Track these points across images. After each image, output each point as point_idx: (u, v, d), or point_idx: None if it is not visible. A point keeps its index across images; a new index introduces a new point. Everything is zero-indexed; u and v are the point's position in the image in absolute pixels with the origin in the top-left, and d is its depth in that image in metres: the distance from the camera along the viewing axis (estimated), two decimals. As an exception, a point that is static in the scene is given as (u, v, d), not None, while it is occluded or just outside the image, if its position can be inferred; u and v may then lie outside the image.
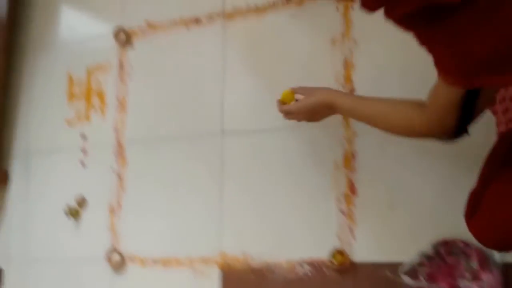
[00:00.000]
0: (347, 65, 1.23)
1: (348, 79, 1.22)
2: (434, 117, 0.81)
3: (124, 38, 1.53)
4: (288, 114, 1.11)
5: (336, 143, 1.23)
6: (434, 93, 0.80)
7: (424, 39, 0.71)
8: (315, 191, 1.23)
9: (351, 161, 1.21)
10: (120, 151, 1.50)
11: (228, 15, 1.40)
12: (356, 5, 1.23)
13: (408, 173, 1.15)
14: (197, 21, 1.44)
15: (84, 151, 1.56)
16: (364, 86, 1.20)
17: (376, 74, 1.19)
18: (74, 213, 1.52)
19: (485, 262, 1.04)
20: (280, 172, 1.29)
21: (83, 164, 1.55)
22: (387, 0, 0.66)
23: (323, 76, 1.25)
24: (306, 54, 1.29)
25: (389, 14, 0.68)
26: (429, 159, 1.13)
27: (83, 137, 1.57)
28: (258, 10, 1.36)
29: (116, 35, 1.54)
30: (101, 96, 1.56)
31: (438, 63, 0.71)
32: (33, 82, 1.69)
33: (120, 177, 1.48)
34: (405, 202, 1.15)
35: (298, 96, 1.09)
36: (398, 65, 1.18)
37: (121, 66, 1.54)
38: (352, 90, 1.21)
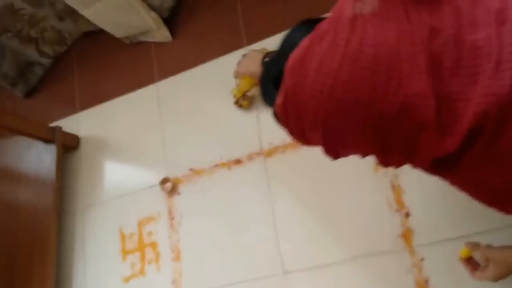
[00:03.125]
0: (396, 190, 1.22)
1: (400, 203, 1.20)
2: None
3: (170, 186, 1.57)
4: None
5: (404, 271, 1.18)
6: None
7: (451, 183, 0.74)
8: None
9: (424, 289, 1.15)
10: (180, 303, 1.47)
11: (267, 153, 1.43)
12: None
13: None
14: (238, 162, 1.47)
15: (144, 307, 1.54)
16: (418, 210, 1.18)
17: (428, 196, 1.17)
18: None
19: None
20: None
21: (145, 322, 1.53)
22: (402, 163, 0.74)
23: (374, 202, 1.23)
24: (351, 182, 1.29)
25: (412, 167, 0.75)
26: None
27: (142, 293, 1.55)
28: (295, 145, 1.39)
29: (162, 185, 1.58)
30: (154, 248, 1.57)
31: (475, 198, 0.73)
32: (85, 241, 1.71)
33: (184, 334, 1.44)
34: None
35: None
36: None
37: (170, 214, 1.56)
38: (407, 214, 1.18)
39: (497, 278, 0.98)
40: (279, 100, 0.73)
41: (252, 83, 1.42)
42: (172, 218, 1.56)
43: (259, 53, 1.22)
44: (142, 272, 1.57)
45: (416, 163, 0.72)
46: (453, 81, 0.63)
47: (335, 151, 0.75)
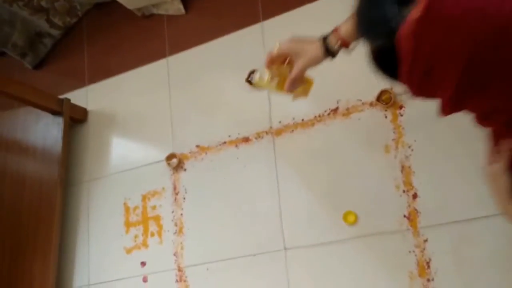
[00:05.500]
0: (405, 171, 1.22)
1: (409, 184, 1.21)
2: None
3: (176, 162, 1.57)
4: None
5: (406, 251, 1.18)
6: None
7: None
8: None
9: (426, 270, 1.16)
10: (181, 276, 1.48)
11: (276, 132, 1.43)
12: (406, 111, 1.24)
13: (490, 274, 1.09)
14: (246, 140, 1.47)
15: (145, 279, 1.54)
16: (427, 192, 1.18)
17: (438, 179, 1.17)
18: None
19: None
20: (350, 286, 1.24)
21: (145, 292, 1.53)
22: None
23: (382, 183, 1.24)
24: (360, 163, 1.29)
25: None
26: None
27: (143, 264, 1.56)
28: (305, 124, 1.38)
29: (168, 160, 1.58)
30: (157, 221, 1.57)
31: None
32: (89, 213, 1.72)
33: (185, 305, 1.45)
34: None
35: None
36: (459, 165, 1.16)
37: (175, 189, 1.57)
38: (415, 195, 1.19)
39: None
40: (416, 13, 0.53)
41: (282, 82, 1.02)
42: (176, 193, 1.56)
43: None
44: (144, 244, 1.58)
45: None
46: None
47: (460, 102, 0.58)
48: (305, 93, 1.07)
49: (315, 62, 0.97)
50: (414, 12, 0.53)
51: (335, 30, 0.95)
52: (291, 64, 1.00)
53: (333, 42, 0.94)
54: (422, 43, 0.54)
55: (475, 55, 0.51)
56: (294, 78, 0.98)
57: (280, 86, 1.01)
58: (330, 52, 0.95)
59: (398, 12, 0.55)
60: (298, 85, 1.02)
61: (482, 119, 0.62)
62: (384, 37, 0.58)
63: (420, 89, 0.60)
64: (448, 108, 0.60)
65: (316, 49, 0.95)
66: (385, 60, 0.60)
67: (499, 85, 0.54)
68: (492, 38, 0.50)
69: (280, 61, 1.01)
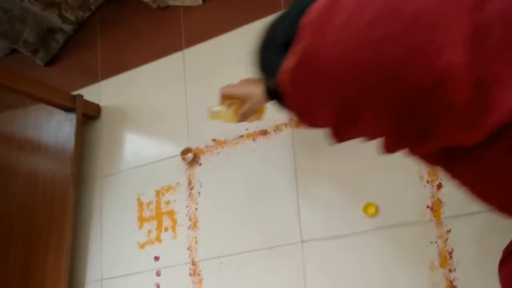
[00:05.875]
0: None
1: (433, 175, 1.19)
2: None
3: (192, 157, 1.55)
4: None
5: (428, 242, 1.16)
6: None
7: (452, 176, 0.67)
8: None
9: (448, 260, 1.14)
10: (194, 270, 1.46)
11: (296, 124, 1.41)
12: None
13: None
14: (264, 133, 1.46)
15: (158, 273, 1.53)
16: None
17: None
18: None
19: None
20: (368, 278, 1.22)
21: (158, 287, 1.52)
22: (405, 147, 0.65)
23: (405, 173, 1.22)
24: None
25: (411, 154, 0.67)
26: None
27: (157, 259, 1.54)
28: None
29: (183, 155, 1.57)
30: (171, 216, 1.56)
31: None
32: (102, 209, 1.71)
33: (199, 299, 1.44)
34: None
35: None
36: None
37: (189, 184, 1.55)
38: (439, 186, 1.17)
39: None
40: (290, 63, 0.61)
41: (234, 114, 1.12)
42: (191, 188, 1.55)
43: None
44: (158, 239, 1.56)
45: (423, 150, 0.63)
46: (493, 64, 0.52)
47: (343, 134, 0.66)
48: (259, 117, 1.15)
49: (260, 105, 1.06)
50: (287, 63, 0.62)
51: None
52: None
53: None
54: (299, 89, 0.63)
55: (343, 97, 0.58)
56: (243, 114, 1.08)
57: (233, 117, 1.12)
58: (272, 97, 1.00)
59: (278, 61, 0.65)
60: (250, 116, 1.10)
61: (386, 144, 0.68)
62: (270, 81, 0.71)
63: (310, 122, 0.69)
64: (335, 139, 0.68)
65: (259, 94, 1.01)
66: (276, 96, 0.74)
67: (369, 119, 0.60)
68: (353, 81, 0.56)
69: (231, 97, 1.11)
